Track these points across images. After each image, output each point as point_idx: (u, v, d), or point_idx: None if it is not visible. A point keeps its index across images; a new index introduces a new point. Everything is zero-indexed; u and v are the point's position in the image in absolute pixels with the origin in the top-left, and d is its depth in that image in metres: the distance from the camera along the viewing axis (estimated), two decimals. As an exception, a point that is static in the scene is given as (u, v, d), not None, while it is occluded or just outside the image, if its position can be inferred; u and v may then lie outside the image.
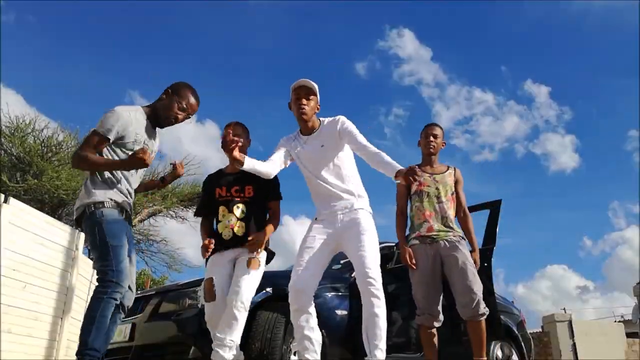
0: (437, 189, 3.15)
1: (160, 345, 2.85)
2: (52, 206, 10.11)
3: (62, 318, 6.42)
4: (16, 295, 5.57)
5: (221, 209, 2.76)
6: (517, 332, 4.39)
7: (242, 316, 2.46)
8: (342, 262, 3.52)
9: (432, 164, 3.29)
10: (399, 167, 2.39)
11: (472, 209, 3.90)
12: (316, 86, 2.68)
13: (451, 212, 3.15)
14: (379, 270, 2.45)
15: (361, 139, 2.65)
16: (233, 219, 2.72)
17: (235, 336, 2.44)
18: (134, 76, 29.44)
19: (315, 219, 2.72)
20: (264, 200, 2.82)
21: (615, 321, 17.44)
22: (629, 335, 12.73)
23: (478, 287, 2.93)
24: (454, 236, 3.06)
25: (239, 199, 2.77)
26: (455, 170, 3.31)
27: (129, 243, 2.36)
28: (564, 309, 16.94)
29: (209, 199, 2.84)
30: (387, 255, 3.70)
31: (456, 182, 3.27)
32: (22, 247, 5.69)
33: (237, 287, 2.52)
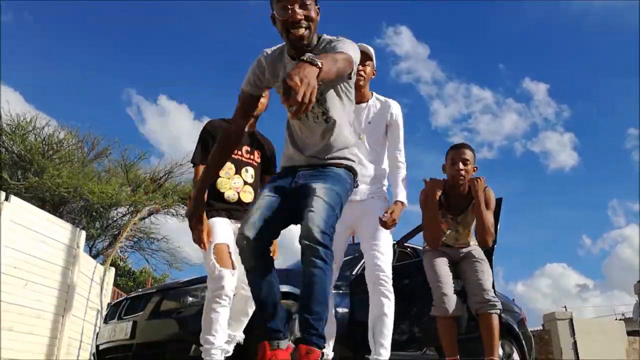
0: (456, 231, 3.00)
1: (161, 343, 2.85)
2: (54, 204, 10.12)
3: (63, 316, 6.44)
4: (18, 293, 5.58)
5: (227, 165, 2.40)
6: (518, 330, 4.38)
7: (251, 312, 2.44)
8: (344, 258, 3.51)
9: (459, 194, 2.88)
10: (397, 203, 2.46)
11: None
12: (373, 51, 2.60)
13: (471, 239, 3.06)
14: (391, 270, 2.44)
15: (398, 142, 2.62)
16: (240, 182, 2.45)
17: (239, 331, 2.45)
18: (132, 75, 29.41)
19: None
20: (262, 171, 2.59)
21: (616, 319, 17.43)
22: (629, 333, 12.72)
23: (488, 278, 2.84)
24: (470, 246, 3.03)
25: (249, 162, 2.51)
26: (484, 193, 2.88)
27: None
28: (565, 307, 16.93)
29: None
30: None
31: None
32: (23, 245, 5.70)
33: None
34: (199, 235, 2.09)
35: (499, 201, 3.72)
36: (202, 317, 2.21)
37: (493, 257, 3.42)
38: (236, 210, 2.41)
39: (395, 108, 2.65)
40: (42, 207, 8.11)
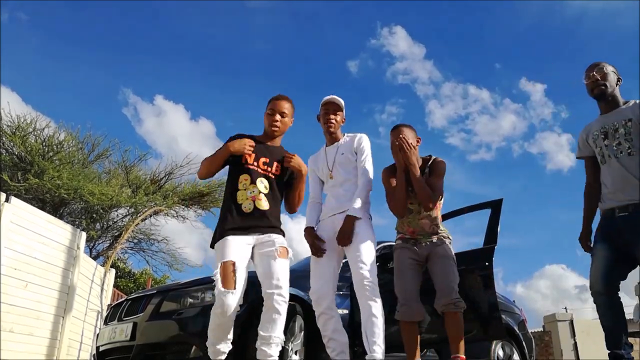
0: (419, 204, 2.93)
1: (161, 344, 2.86)
2: (54, 205, 10.12)
3: (63, 317, 6.44)
4: (18, 294, 5.59)
5: (243, 176, 2.58)
6: (518, 331, 4.39)
7: (284, 310, 2.33)
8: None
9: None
10: (350, 217, 2.74)
11: (474, 208, 3.90)
12: (343, 103, 3.02)
13: (437, 220, 2.97)
14: (376, 273, 2.68)
15: (362, 163, 2.92)
16: (256, 191, 2.55)
17: (279, 332, 2.31)
18: (128, 75, 29.24)
19: (319, 220, 2.98)
20: (285, 183, 2.70)
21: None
22: (630, 334, 12.70)
23: (453, 278, 2.81)
24: (438, 238, 2.93)
25: (264, 173, 2.61)
26: (431, 164, 2.98)
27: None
28: (565, 308, 16.92)
29: (234, 159, 2.62)
30: (387, 255, 3.70)
31: (431, 174, 2.93)
32: (23, 246, 5.71)
33: (276, 280, 2.33)
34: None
35: (498, 202, 3.74)
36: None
37: (493, 258, 3.42)
38: (252, 222, 2.51)
39: (364, 138, 3.01)
40: (42, 208, 8.12)
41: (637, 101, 2.71)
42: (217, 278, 2.33)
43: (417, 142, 3.01)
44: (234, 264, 2.34)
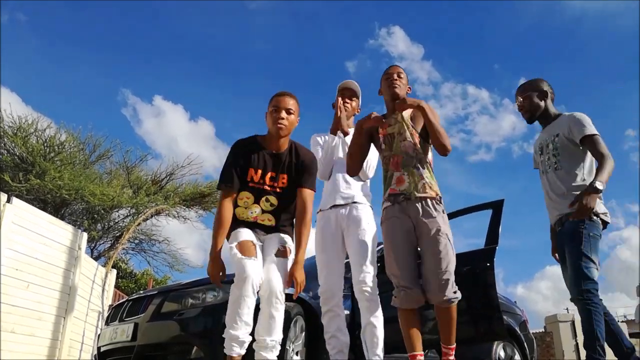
0: (400, 133, 2.57)
1: (162, 345, 2.86)
2: (55, 206, 10.13)
3: (64, 317, 6.44)
4: (19, 295, 5.59)
5: (245, 194, 2.41)
6: (519, 332, 4.38)
7: (280, 313, 2.23)
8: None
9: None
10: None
11: (475, 209, 3.89)
12: (359, 89, 2.92)
13: (423, 154, 2.56)
14: (375, 278, 2.61)
15: (371, 162, 2.80)
16: (258, 210, 2.42)
17: (276, 335, 2.21)
18: (127, 75, 29.24)
19: (320, 210, 2.87)
20: (295, 191, 2.47)
21: (618, 321, 17.37)
22: (631, 335, 12.66)
23: (448, 264, 2.37)
24: (430, 198, 2.47)
25: (270, 189, 2.43)
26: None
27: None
28: (567, 309, 16.87)
29: (239, 172, 2.40)
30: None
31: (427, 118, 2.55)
32: (25, 247, 5.71)
33: (270, 282, 2.23)
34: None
35: (499, 203, 3.73)
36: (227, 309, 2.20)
37: (494, 259, 3.42)
38: (256, 229, 2.44)
39: None
40: (43, 209, 8.12)
41: (566, 113, 2.77)
42: (235, 252, 2.24)
43: (408, 90, 2.73)
44: (251, 241, 2.30)
